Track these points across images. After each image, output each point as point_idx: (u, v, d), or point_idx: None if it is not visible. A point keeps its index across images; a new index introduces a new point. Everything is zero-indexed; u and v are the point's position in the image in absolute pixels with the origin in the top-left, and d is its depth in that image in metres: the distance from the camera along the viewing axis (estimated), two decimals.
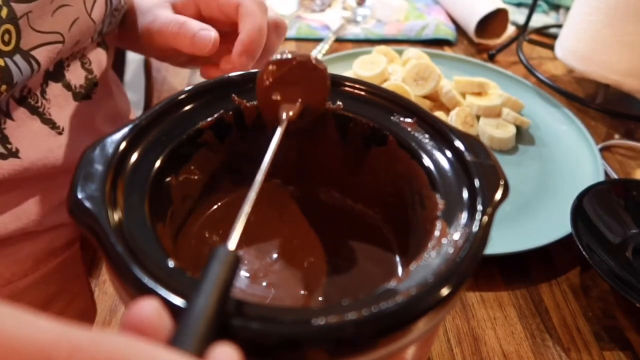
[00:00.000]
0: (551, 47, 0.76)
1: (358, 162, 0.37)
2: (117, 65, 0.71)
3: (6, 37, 0.36)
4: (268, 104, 0.35)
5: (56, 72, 0.44)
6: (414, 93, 0.61)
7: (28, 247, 0.45)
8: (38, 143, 0.42)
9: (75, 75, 0.46)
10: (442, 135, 0.33)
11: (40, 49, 0.39)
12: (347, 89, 0.36)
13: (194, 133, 0.33)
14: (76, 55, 0.46)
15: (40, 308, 0.47)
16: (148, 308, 0.19)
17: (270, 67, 0.33)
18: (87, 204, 0.26)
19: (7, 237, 0.43)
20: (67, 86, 0.45)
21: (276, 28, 0.46)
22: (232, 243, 0.25)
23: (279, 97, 0.34)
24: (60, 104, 0.45)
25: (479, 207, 0.28)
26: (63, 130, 0.45)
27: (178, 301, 0.22)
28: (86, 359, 0.16)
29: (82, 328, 0.18)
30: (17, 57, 0.37)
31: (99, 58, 0.49)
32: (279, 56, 0.33)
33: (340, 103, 0.35)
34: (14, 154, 0.40)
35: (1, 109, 0.40)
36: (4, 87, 0.37)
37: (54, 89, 0.44)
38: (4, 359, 0.16)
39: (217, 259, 0.23)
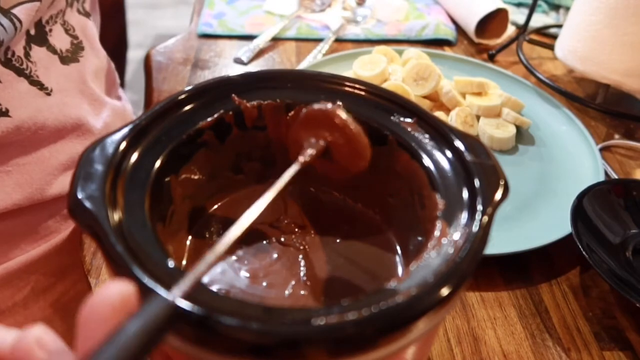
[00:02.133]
0: (551, 47, 0.76)
1: None
2: (117, 65, 0.71)
3: None
4: (296, 137, 0.34)
5: (38, 36, 0.47)
6: (414, 93, 0.61)
7: (39, 216, 0.48)
8: (27, 103, 0.45)
9: (60, 39, 0.49)
10: (442, 135, 0.33)
11: (20, 8, 0.41)
12: (347, 89, 0.36)
13: (194, 133, 0.33)
14: (55, 18, 0.48)
15: (54, 279, 0.50)
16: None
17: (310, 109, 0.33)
18: (87, 204, 0.26)
19: (17, 208, 0.46)
20: (53, 50, 0.48)
21: None
22: (179, 289, 0.22)
23: (307, 136, 0.33)
24: (47, 66, 0.47)
25: (479, 207, 0.28)
26: (52, 91, 0.47)
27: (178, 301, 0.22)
28: None
29: None
30: (0, 16, 0.40)
31: (82, 24, 0.52)
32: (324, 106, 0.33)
33: (340, 103, 0.35)
34: (4, 113, 0.43)
35: None
36: None
37: (38, 52, 0.47)
38: None
39: (146, 312, 0.19)
